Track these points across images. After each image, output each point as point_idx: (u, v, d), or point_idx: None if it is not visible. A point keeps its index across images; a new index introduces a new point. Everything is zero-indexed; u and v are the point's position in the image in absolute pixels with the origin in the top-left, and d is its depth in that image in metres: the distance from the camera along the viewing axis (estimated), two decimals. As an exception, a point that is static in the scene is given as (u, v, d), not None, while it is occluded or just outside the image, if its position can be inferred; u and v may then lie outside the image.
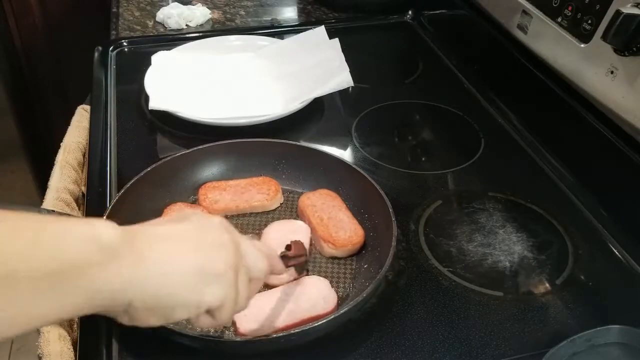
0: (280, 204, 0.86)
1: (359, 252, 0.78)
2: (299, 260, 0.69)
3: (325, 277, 0.75)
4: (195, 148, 0.87)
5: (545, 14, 0.93)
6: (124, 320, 0.48)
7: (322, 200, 0.83)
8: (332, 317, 0.64)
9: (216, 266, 0.50)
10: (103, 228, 0.44)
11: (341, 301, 0.72)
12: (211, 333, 0.67)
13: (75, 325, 0.73)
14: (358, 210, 0.82)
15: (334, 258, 0.78)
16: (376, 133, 1.05)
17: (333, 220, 0.80)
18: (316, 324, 0.64)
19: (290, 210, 0.85)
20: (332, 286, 0.73)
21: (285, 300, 0.70)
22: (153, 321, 0.49)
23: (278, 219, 0.84)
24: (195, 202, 0.84)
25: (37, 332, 0.69)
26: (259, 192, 0.84)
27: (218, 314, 0.52)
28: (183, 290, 0.48)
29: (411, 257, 0.79)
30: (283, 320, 0.68)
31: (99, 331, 0.68)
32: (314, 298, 0.70)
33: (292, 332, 0.64)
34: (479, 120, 1.07)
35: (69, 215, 0.80)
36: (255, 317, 0.68)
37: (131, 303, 0.46)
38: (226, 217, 0.82)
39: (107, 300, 0.45)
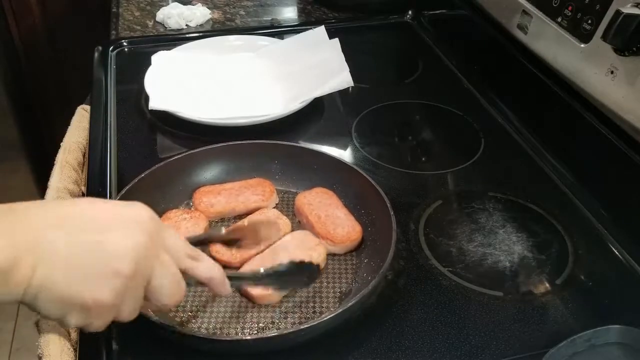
0: (276, 204, 0.86)
1: (358, 248, 0.79)
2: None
3: (326, 274, 0.76)
4: (184, 153, 0.87)
5: (545, 14, 0.93)
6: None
7: (318, 198, 0.83)
8: (332, 315, 0.64)
9: (84, 300, 0.49)
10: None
11: (344, 296, 0.73)
12: (211, 334, 0.67)
13: (75, 325, 0.73)
14: (354, 206, 0.83)
15: (333, 255, 0.78)
16: (376, 133, 1.05)
17: (331, 218, 0.80)
18: (317, 323, 0.64)
19: (286, 210, 0.85)
20: (335, 281, 0.74)
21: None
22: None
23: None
24: (190, 206, 0.84)
25: (37, 332, 0.70)
26: (253, 193, 0.84)
27: (83, 329, 0.52)
28: (50, 310, 0.49)
29: (411, 257, 0.79)
30: None
31: (99, 332, 0.67)
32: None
33: (293, 331, 0.64)
34: (479, 120, 1.07)
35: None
36: None
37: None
38: (223, 219, 0.83)
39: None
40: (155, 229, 0.53)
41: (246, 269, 0.73)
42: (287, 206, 0.86)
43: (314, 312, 0.71)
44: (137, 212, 0.53)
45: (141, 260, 0.51)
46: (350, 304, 0.65)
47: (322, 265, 0.76)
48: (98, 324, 0.52)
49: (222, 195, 0.83)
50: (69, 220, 0.50)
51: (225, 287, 0.61)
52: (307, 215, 0.81)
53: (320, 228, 0.79)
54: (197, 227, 0.78)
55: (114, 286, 0.50)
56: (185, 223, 0.78)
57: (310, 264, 0.68)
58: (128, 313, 0.53)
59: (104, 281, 0.49)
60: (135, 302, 0.53)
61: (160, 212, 0.81)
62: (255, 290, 0.70)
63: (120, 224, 0.51)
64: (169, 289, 0.55)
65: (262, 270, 0.67)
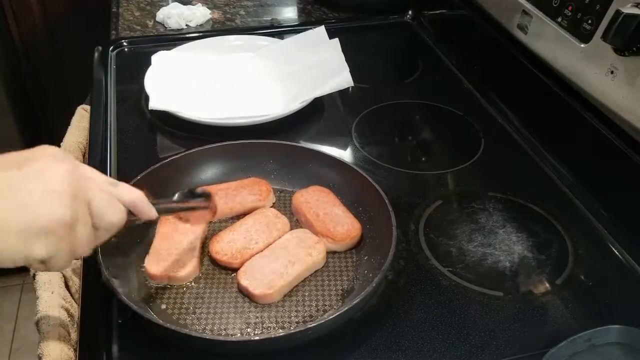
0: (273, 203, 0.86)
1: (358, 246, 0.79)
2: (195, 207, 0.70)
3: (327, 272, 0.76)
4: (181, 154, 0.87)
5: (545, 14, 0.93)
6: None
7: (315, 196, 0.83)
8: (339, 313, 0.64)
9: (41, 221, 0.49)
10: None
11: (346, 294, 0.73)
12: (211, 334, 0.67)
13: (75, 326, 0.73)
14: (354, 206, 0.83)
15: (333, 253, 0.78)
16: (376, 133, 1.05)
17: (329, 216, 0.80)
18: (324, 322, 0.64)
19: (283, 208, 0.85)
20: (337, 279, 0.75)
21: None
22: None
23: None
24: None
25: (37, 332, 0.70)
26: (250, 193, 0.84)
27: (50, 264, 0.51)
28: (6, 247, 0.48)
29: (411, 257, 0.79)
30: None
31: (99, 331, 0.68)
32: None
33: (300, 330, 0.64)
34: (479, 120, 1.07)
35: None
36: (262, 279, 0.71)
37: None
38: (221, 220, 0.83)
39: None
40: (72, 160, 0.54)
41: (247, 266, 0.73)
42: (284, 205, 0.86)
43: (317, 310, 0.71)
44: (50, 150, 0.54)
45: (73, 182, 0.52)
46: (355, 301, 0.66)
47: (323, 263, 0.76)
48: (62, 253, 0.51)
49: (218, 195, 0.83)
50: None
51: (151, 210, 0.61)
52: (305, 214, 0.81)
53: (320, 226, 0.79)
54: (196, 227, 0.78)
55: (63, 202, 0.50)
56: (183, 224, 0.78)
57: (204, 191, 0.70)
58: (85, 237, 0.53)
59: (52, 200, 0.50)
60: (87, 224, 0.53)
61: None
62: (258, 290, 0.70)
63: (40, 159, 0.52)
64: (110, 207, 0.56)
65: (175, 196, 0.68)
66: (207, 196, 0.70)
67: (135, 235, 0.76)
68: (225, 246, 0.76)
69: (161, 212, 0.64)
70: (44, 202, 0.49)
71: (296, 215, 0.83)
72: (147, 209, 0.60)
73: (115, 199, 0.56)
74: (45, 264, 0.51)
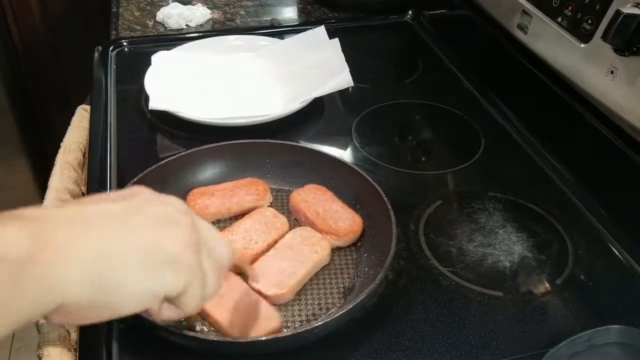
0: (271, 202, 0.86)
1: (359, 240, 0.79)
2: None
3: (328, 270, 0.76)
4: (178, 154, 0.86)
5: (545, 14, 0.93)
6: (55, 320, 0.40)
7: (312, 194, 0.83)
8: (345, 311, 0.64)
9: (170, 246, 0.43)
10: (7, 238, 0.36)
11: (348, 291, 0.73)
12: (211, 335, 0.67)
13: (75, 326, 0.73)
14: (354, 206, 0.83)
15: (333, 250, 0.78)
16: (376, 133, 1.05)
17: (329, 212, 0.80)
18: (319, 323, 0.64)
19: (281, 208, 0.85)
20: (337, 277, 0.75)
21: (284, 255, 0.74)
22: (100, 319, 0.41)
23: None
24: None
25: (37, 332, 0.70)
26: (247, 193, 0.84)
27: (182, 302, 0.44)
28: (132, 278, 0.41)
29: (411, 257, 0.79)
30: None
31: (99, 331, 0.68)
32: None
33: (294, 333, 0.64)
34: (479, 120, 1.07)
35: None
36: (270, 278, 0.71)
37: (63, 304, 0.38)
38: (219, 221, 0.83)
39: (27, 312, 0.37)
40: (193, 218, 0.49)
41: (255, 269, 0.73)
42: (281, 204, 0.86)
43: (320, 308, 0.71)
44: (175, 204, 0.48)
45: (188, 212, 0.48)
46: (360, 297, 0.66)
47: (328, 260, 0.77)
48: (198, 280, 0.45)
49: (215, 196, 0.83)
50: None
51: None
52: (304, 213, 0.81)
53: (322, 224, 0.79)
54: None
55: (185, 226, 0.45)
56: None
57: None
58: (210, 267, 0.47)
59: (175, 224, 0.44)
60: (206, 252, 0.47)
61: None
62: (271, 291, 0.70)
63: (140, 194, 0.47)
64: (219, 238, 0.52)
65: None
66: None
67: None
68: None
69: None
70: (170, 229, 0.44)
71: (295, 215, 0.83)
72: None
73: (213, 229, 0.52)
74: (178, 302, 0.45)
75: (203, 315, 0.68)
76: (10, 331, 0.36)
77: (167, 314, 0.47)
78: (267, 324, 0.67)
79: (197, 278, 0.44)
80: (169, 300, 0.44)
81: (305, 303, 0.72)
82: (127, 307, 0.41)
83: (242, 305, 0.68)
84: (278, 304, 0.71)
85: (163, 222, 0.44)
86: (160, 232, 0.43)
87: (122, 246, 0.40)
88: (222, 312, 0.67)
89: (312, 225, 0.80)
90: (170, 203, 0.47)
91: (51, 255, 0.37)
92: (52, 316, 0.39)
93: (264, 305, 0.69)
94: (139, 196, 0.46)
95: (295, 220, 0.83)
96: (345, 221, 0.79)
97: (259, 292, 0.71)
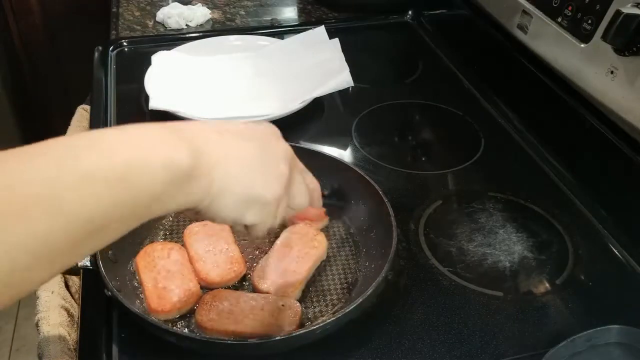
0: None
1: (358, 242, 0.80)
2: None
3: (329, 266, 0.77)
4: None
5: (545, 14, 0.93)
6: (187, 214, 0.53)
7: None
8: (352, 308, 0.65)
9: (266, 195, 0.53)
10: (176, 153, 0.45)
11: (352, 286, 0.74)
12: (211, 337, 0.67)
13: (75, 326, 0.73)
14: (352, 204, 0.83)
15: (333, 249, 0.78)
16: (376, 133, 1.05)
17: None
18: (321, 324, 0.64)
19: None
20: (340, 273, 0.75)
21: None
22: (194, 219, 0.62)
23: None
24: None
25: (37, 332, 0.70)
26: None
27: (253, 230, 0.56)
28: (231, 206, 0.52)
29: (411, 257, 0.79)
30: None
31: (99, 331, 0.68)
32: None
33: (294, 334, 0.64)
34: (479, 120, 1.07)
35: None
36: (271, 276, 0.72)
37: (191, 209, 0.50)
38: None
39: (174, 207, 0.48)
40: (291, 171, 0.59)
41: (259, 270, 0.73)
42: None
43: (326, 305, 0.72)
44: (272, 129, 0.60)
45: (291, 164, 0.58)
46: (368, 292, 0.66)
47: (325, 254, 0.77)
48: (269, 221, 0.56)
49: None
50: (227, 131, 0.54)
51: (321, 202, 0.65)
52: None
53: (297, 214, 0.80)
54: (182, 257, 0.76)
55: (282, 183, 0.55)
56: (166, 257, 0.75)
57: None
58: (282, 212, 0.57)
59: (276, 179, 0.55)
60: (286, 202, 0.58)
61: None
62: (280, 292, 0.70)
63: (267, 133, 0.58)
64: (302, 191, 0.60)
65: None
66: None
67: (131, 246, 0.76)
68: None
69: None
70: (271, 179, 0.54)
71: None
72: (319, 201, 0.64)
73: (304, 184, 0.61)
74: (248, 229, 0.56)
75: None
76: (164, 213, 0.47)
77: (239, 230, 0.59)
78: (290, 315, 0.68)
79: (270, 220, 0.55)
80: (245, 226, 0.56)
81: (312, 300, 0.72)
82: (218, 220, 0.53)
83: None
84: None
85: (269, 173, 0.54)
86: (266, 180, 0.54)
87: (239, 182, 0.52)
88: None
89: (289, 218, 0.80)
90: (280, 154, 0.56)
91: (203, 178, 0.48)
92: (186, 212, 0.51)
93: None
94: (265, 138, 0.57)
95: None
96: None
97: (267, 294, 0.71)
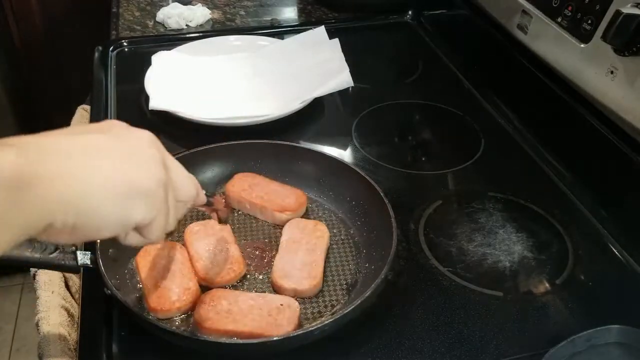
0: None
1: (358, 243, 0.79)
2: (221, 209, 0.70)
3: (329, 267, 0.76)
4: (176, 156, 0.85)
5: (545, 14, 0.93)
6: (42, 238, 0.44)
7: (246, 183, 0.84)
8: (352, 308, 0.65)
9: (144, 182, 0.47)
10: (5, 159, 0.39)
11: (351, 287, 0.74)
12: (211, 337, 0.67)
13: (75, 326, 0.73)
14: (352, 204, 0.83)
15: (333, 249, 0.78)
16: (376, 133, 1.05)
17: (271, 193, 0.83)
18: (319, 324, 0.64)
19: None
20: (339, 274, 0.76)
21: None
22: (76, 240, 0.46)
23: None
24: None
25: (37, 332, 0.70)
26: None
27: (147, 231, 0.50)
28: (108, 208, 0.45)
29: (411, 257, 0.79)
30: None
31: (99, 331, 0.68)
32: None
33: (295, 334, 0.64)
34: (479, 120, 1.07)
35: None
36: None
37: (51, 225, 0.42)
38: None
39: (21, 231, 0.41)
40: (164, 156, 0.53)
41: (278, 269, 0.73)
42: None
43: (325, 305, 0.72)
44: (119, 122, 0.52)
45: (160, 148, 0.51)
46: (367, 294, 0.66)
47: (328, 242, 0.78)
48: (162, 217, 0.50)
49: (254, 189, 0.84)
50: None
51: (203, 193, 0.62)
52: (249, 200, 0.82)
53: (271, 204, 0.81)
54: (182, 256, 0.75)
55: (158, 165, 0.49)
56: (166, 256, 0.75)
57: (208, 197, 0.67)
58: (173, 205, 0.52)
59: (149, 162, 0.49)
60: (172, 191, 0.52)
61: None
62: (305, 285, 0.71)
63: (115, 124, 0.51)
64: (186, 178, 0.56)
65: None
66: (209, 203, 0.67)
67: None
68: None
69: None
70: (144, 163, 0.48)
71: (237, 206, 0.84)
72: (202, 195, 0.61)
73: (184, 170, 0.55)
74: (142, 231, 0.50)
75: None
76: (7, 248, 0.40)
77: (132, 240, 0.51)
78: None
79: (163, 212, 0.49)
80: (137, 229, 0.49)
81: (310, 301, 0.72)
82: (102, 232, 0.46)
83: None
84: (308, 297, 0.72)
85: (138, 158, 0.48)
86: (135, 167, 0.47)
87: (102, 179, 0.44)
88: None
89: (262, 210, 0.82)
90: (143, 137, 0.50)
91: (42, 181, 0.40)
92: (41, 235, 0.43)
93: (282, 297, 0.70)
94: (115, 129, 0.49)
95: (238, 212, 0.84)
96: (290, 196, 0.82)
97: (295, 291, 0.71)
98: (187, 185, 0.55)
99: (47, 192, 0.41)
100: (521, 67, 1.04)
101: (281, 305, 0.68)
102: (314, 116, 1.07)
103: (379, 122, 1.08)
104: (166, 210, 0.50)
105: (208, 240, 0.77)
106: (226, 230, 0.78)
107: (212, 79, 1.13)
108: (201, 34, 1.29)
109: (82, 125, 0.49)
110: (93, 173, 0.44)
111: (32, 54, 1.94)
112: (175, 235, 0.79)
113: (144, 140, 0.50)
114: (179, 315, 0.69)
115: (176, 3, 1.36)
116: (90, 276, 0.71)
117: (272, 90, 1.10)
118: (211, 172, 0.88)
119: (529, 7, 0.97)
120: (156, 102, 1.01)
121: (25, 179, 0.39)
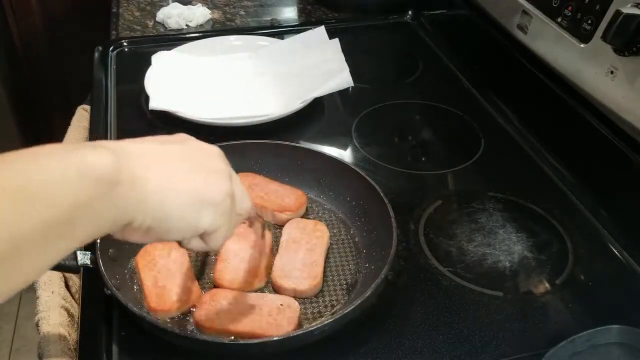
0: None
1: (358, 243, 0.79)
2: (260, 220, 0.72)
3: (329, 267, 0.77)
4: None
5: (545, 14, 0.93)
6: (117, 236, 0.48)
7: (246, 183, 0.84)
8: (352, 307, 0.65)
9: (215, 193, 0.51)
10: (94, 158, 0.41)
11: (351, 287, 0.74)
12: (211, 337, 0.67)
13: (75, 326, 0.73)
14: (351, 204, 0.83)
15: (333, 249, 0.78)
16: (376, 133, 1.05)
17: (271, 193, 0.83)
18: (319, 325, 0.64)
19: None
20: (339, 274, 0.76)
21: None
22: (146, 240, 0.50)
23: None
24: None
25: (37, 332, 0.70)
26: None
27: (211, 239, 0.53)
28: (181, 213, 0.48)
29: (411, 257, 0.79)
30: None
31: (99, 332, 0.68)
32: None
33: (294, 334, 0.64)
34: (479, 120, 1.07)
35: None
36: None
37: (130, 224, 0.45)
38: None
39: (107, 225, 0.44)
40: (230, 170, 0.56)
41: (278, 269, 0.73)
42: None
43: (325, 306, 0.72)
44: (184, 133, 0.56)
45: (224, 158, 0.55)
46: (367, 294, 0.66)
47: (329, 242, 0.78)
48: (226, 225, 0.53)
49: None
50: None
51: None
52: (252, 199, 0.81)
53: (271, 204, 0.81)
54: (182, 256, 0.75)
55: (225, 178, 0.53)
56: (166, 256, 0.75)
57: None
58: (235, 216, 0.55)
59: (217, 175, 0.52)
60: (234, 204, 0.55)
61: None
62: (305, 285, 0.71)
63: (183, 136, 0.55)
64: (245, 193, 0.59)
65: None
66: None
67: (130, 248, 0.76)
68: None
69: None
70: (214, 176, 0.52)
71: None
72: (254, 210, 0.63)
73: (242, 185, 0.58)
74: (206, 238, 0.53)
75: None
76: (89, 240, 0.42)
77: (194, 245, 0.54)
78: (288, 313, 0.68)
79: (227, 222, 0.53)
80: (201, 235, 0.52)
81: (310, 301, 0.72)
82: (172, 235, 0.50)
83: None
84: (308, 297, 0.72)
85: (210, 171, 0.52)
86: (207, 179, 0.51)
87: (180, 185, 0.48)
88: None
89: (262, 209, 0.81)
90: (214, 152, 0.55)
91: (130, 183, 0.44)
92: (118, 232, 0.47)
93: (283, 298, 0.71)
94: (189, 142, 0.54)
95: None
96: (290, 196, 0.82)
97: (295, 291, 0.71)
98: (245, 198, 0.58)
99: (133, 194, 0.44)
100: (521, 67, 1.04)
101: (281, 305, 0.68)
102: (314, 116, 1.07)
103: (379, 122, 1.08)
104: (230, 220, 0.53)
105: (239, 246, 0.76)
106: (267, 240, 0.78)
107: (212, 79, 1.13)
108: (201, 34, 1.29)
109: (159, 136, 0.53)
110: (173, 181, 0.48)
111: (32, 54, 1.94)
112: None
113: (215, 154, 0.54)
114: (179, 316, 0.69)
115: (176, 3, 1.36)
116: (90, 276, 0.71)
117: (272, 90, 1.11)
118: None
119: (529, 7, 0.97)
120: (156, 102, 1.01)
121: (119, 179, 0.43)
